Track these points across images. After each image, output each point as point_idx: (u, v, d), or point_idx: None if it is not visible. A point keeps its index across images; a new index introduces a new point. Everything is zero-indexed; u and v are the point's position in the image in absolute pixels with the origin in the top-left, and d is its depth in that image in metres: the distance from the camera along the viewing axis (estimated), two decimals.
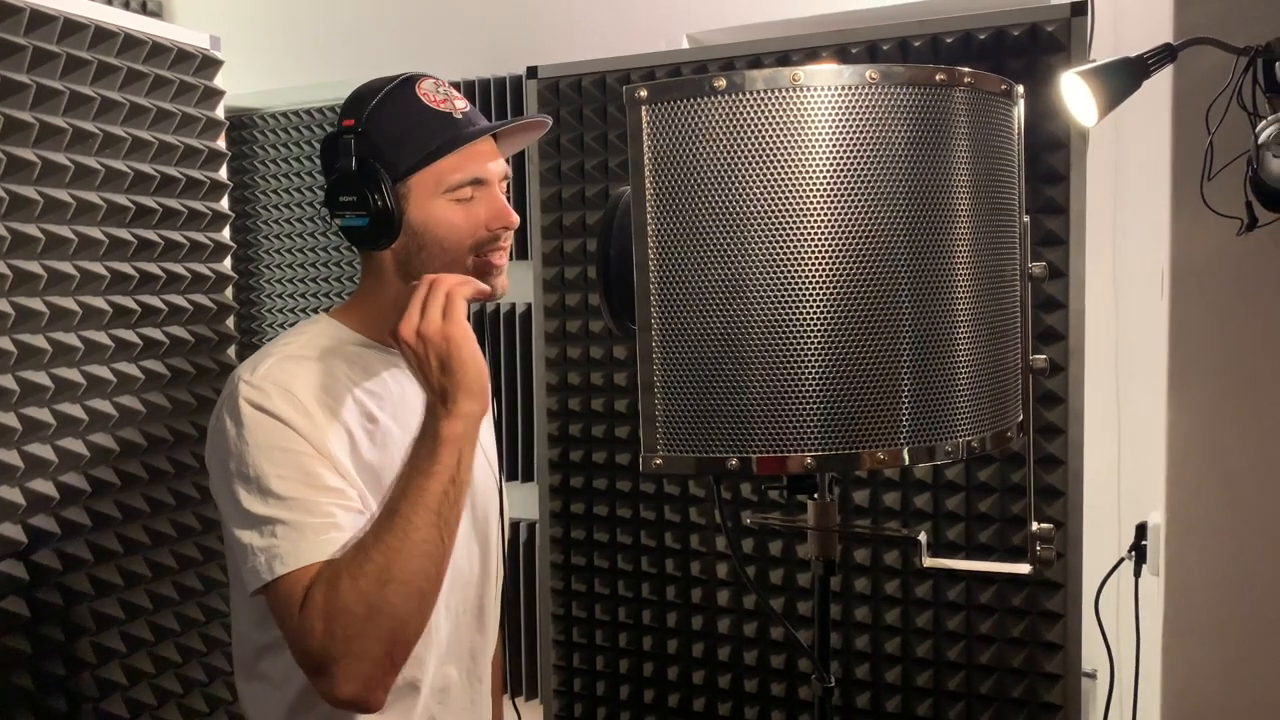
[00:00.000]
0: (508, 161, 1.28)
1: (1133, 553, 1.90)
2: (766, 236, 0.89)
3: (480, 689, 1.35)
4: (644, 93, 0.92)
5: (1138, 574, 1.90)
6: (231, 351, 1.98)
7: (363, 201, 1.17)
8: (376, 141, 1.18)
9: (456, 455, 1.09)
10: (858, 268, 0.89)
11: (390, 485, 1.12)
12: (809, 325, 0.89)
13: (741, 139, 0.89)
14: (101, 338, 1.70)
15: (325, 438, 1.13)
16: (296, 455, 1.11)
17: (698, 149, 0.90)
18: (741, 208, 0.89)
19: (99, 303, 1.69)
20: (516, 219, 1.24)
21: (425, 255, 1.21)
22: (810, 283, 0.89)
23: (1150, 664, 1.87)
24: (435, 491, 1.07)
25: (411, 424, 1.20)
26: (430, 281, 1.12)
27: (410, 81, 1.22)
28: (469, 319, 1.14)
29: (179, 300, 1.86)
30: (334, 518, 1.09)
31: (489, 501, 1.34)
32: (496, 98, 2.95)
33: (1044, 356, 1.11)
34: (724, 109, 0.89)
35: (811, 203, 0.89)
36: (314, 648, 1.04)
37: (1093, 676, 2.16)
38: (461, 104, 1.24)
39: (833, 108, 0.88)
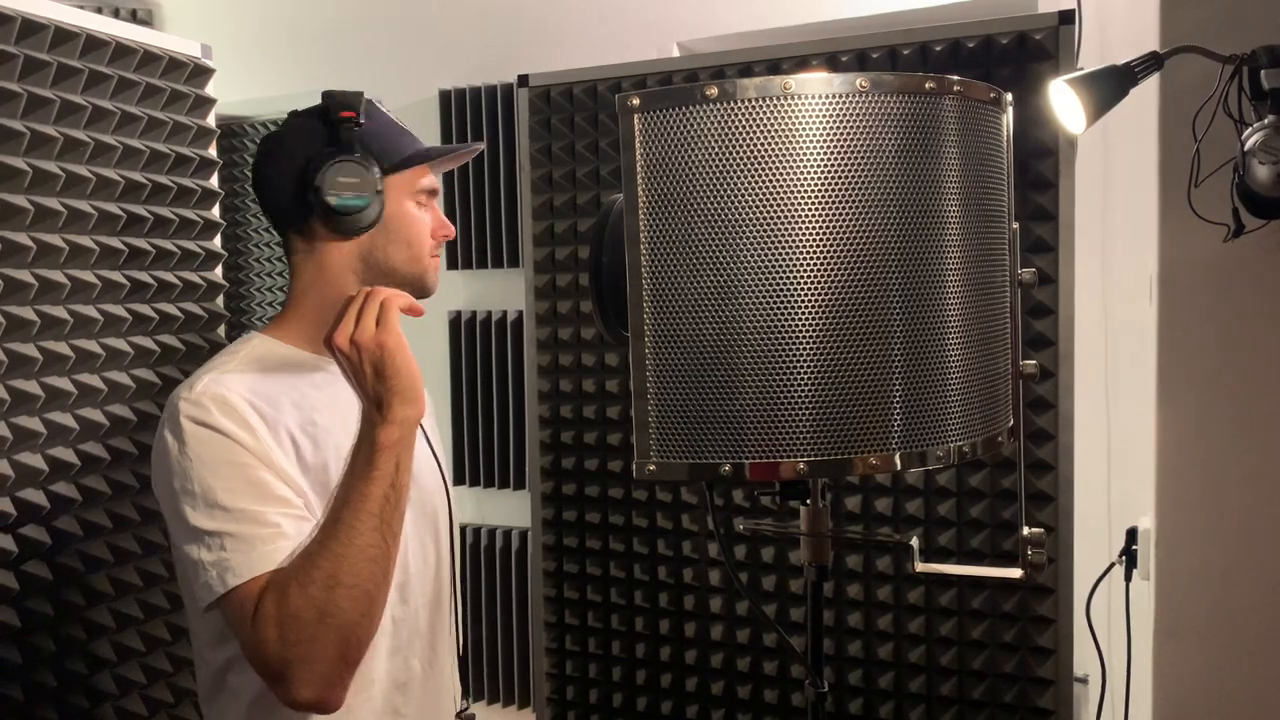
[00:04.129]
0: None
1: (1123, 558, 1.91)
2: (758, 244, 0.90)
3: (442, 678, 1.37)
4: (636, 101, 0.92)
5: (1128, 579, 1.90)
6: None
7: (366, 184, 1.23)
8: (375, 134, 1.27)
9: (394, 461, 1.12)
10: (849, 276, 0.90)
11: (332, 491, 1.14)
12: (801, 332, 0.90)
13: (733, 147, 0.90)
14: (93, 346, 1.69)
15: (267, 448, 1.15)
16: (241, 467, 1.13)
17: (690, 157, 0.91)
18: (733, 215, 0.90)
19: (90, 311, 1.69)
20: (453, 230, 1.37)
21: (392, 249, 1.28)
22: (802, 290, 0.90)
23: (1141, 668, 1.87)
24: (376, 497, 1.10)
25: (350, 422, 1.22)
26: (366, 292, 1.16)
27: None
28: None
29: (170, 308, 1.85)
30: (281, 527, 1.12)
31: (435, 494, 1.37)
32: (488, 106, 2.96)
33: (1034, 362, 1.12)
34: (716, 117, 0.90)
35: (803, 210, 0.89)
36: (269, 655, 1.06)
37: (1084, 681, 2.16)
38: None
39: (824, 116, 0.89)
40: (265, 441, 1.15)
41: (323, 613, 1.06)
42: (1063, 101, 1.59)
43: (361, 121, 1.25)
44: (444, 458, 1.42)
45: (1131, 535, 1.91)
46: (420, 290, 1.30)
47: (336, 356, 1.14)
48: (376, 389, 1.12)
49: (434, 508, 1.36)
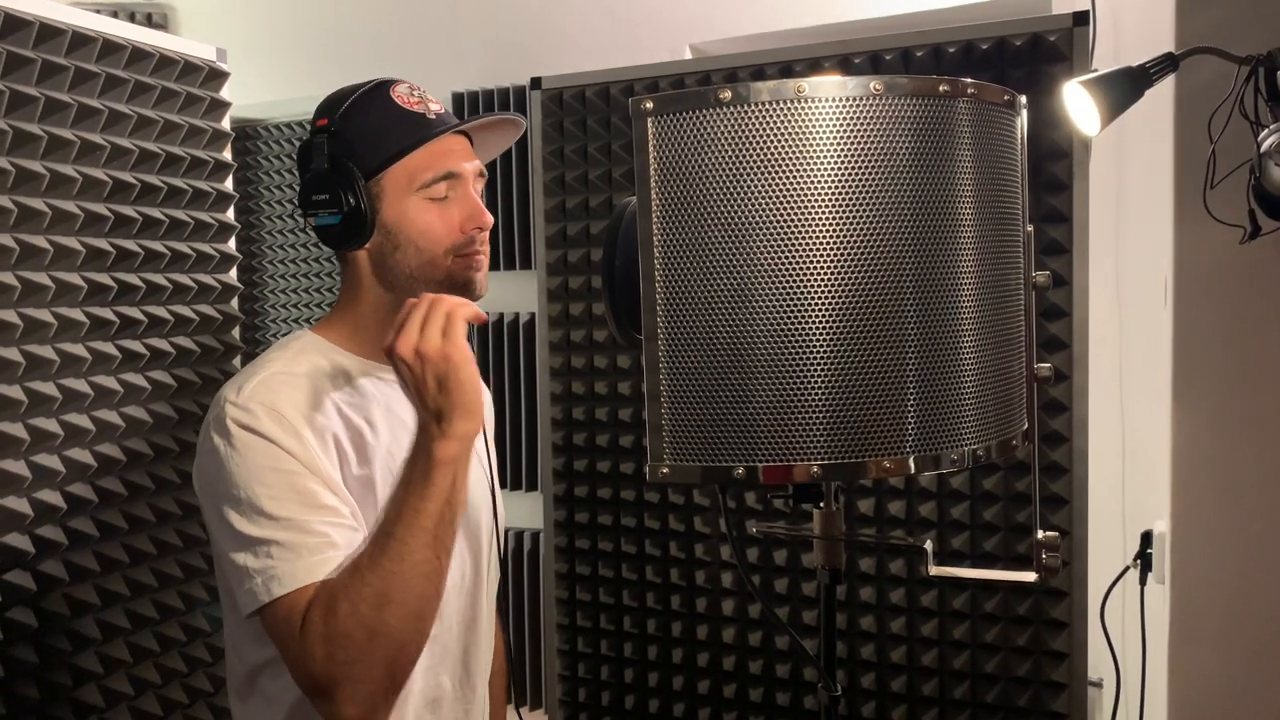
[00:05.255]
0: (484, 168, 1.29)
1: (1138, 561, 1.90)
2: (772, 246, 0.89)
3: (474, 697, 1.34)
4: (650, 104, 0.92)
5: (1143, 582, 1.89)
6: (237, 362, 1.99)
7: (335, 200, 1.17)
8: (349, 140, 1.19)
9: (451, 477, 1.08)
10: (863, 277, 0.90)
11: (384, 502, 1.11)
12: (815, 334, 0.90)
13: (747, 150, 0.89)
14: (109, 348, 1.70)
15: (315, 455, 1.13)
16: (288, 475, 1.10)
17: (703, 160, 0.91)
18: (747, 217, 0.90)
19: (106, 313, 1.70)
20: (490, 219, 1.25)
21: (400, 255, 1.21)
22: (816, 292, 0.89)
23: (1156, 672, 1.86)
24: (431, 514, 1.06)
25: (399, 431, 1.20)
26: (431, 300, 1.10)
27: (385, 85, 1.23)
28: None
29: (185, 311, 1.86)
30: (329, 537, 1.09)
31: (481, 508, 1.33)
32: (500, 108, 2.96)
33: (1048, 365, 1.11)
34: (730, 120, 0.90)
35: (817, 212, 0.89)
36: (316, 672, 1.04)
37: (1098, 685, 2.15)
38: (436, 106, 1.25)
39: (837, 119, 0.89)
40: (312, 449, 1.13)
41: (373, 632, 1.03)
42: (1077, 103, 1.58)
43: (333, 128, 1.19)
44: (495, 473, 1.37)
45: (1146, 538, 1.90)
46: (460, 293, 1.20)
47: (397, 366, 1.08)
48: (438, 402, 1.07)
49: (478, 520, 1.32)
